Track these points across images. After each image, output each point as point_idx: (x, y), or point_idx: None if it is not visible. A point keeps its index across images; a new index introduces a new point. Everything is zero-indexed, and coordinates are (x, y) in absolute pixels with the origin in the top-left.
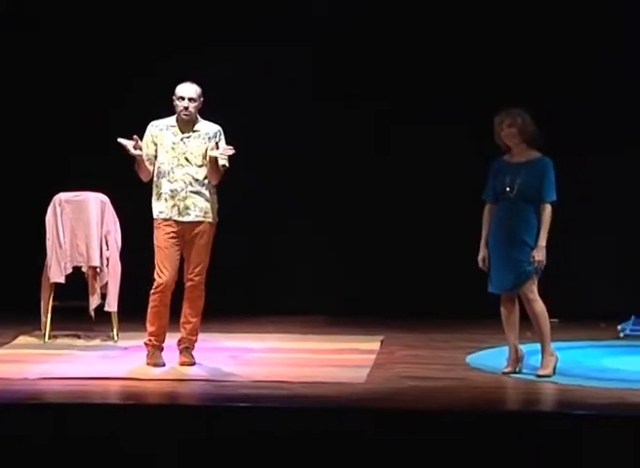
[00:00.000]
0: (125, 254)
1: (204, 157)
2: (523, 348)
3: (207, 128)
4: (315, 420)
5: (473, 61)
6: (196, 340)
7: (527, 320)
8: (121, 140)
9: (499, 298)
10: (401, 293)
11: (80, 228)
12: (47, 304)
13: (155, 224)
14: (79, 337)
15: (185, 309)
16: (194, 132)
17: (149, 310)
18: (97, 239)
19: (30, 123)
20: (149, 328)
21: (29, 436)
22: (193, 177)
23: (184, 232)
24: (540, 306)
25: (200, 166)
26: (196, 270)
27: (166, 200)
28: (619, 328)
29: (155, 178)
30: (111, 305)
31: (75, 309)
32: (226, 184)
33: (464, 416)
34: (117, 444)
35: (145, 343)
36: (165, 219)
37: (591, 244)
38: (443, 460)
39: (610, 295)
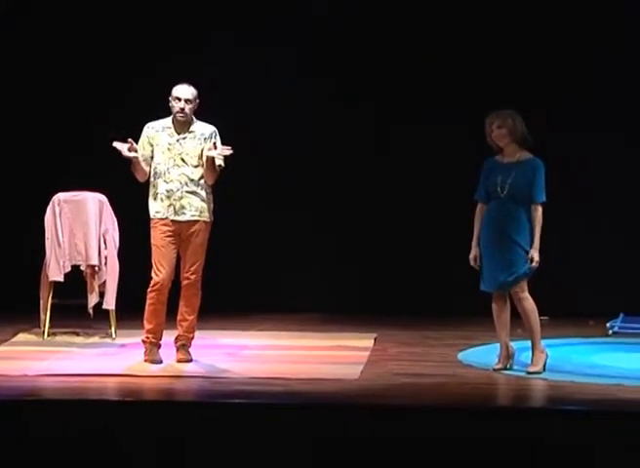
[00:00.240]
0: (123, 253)
1: (200, 157)
2: (514, 345)
3: (202, 129)
4: (310, 416)
5: (473, 62)
6: (193, 338)
7: (517, 317)
8: (116, 144)
9: (490, 296)
10: (395, 292)
11: (79, 227)
12: (46, 302)
13: (152, 224)
14: (78, 335)
15: (182, 307)
16: (190, 133)
17: (147, 308)
18: (95, 238)
19: (30, 123)
20: (147, 325)
21: (28, 432)
22: (189, 178)
23: (180, 231)
24: (530, 304)
25: (196, 166)
26: (192, 268)
27: (162, 200)
28: (607, 325)
29: (152, 179)
30: (109, 303)
31: (74, 307)
32: (226, 184)
33: (456, 412)
34: (115, 440)
35: (143, 341)
36: (161, 219)
37: (580, 242)
38: (435, 456)
39: (599, 293)
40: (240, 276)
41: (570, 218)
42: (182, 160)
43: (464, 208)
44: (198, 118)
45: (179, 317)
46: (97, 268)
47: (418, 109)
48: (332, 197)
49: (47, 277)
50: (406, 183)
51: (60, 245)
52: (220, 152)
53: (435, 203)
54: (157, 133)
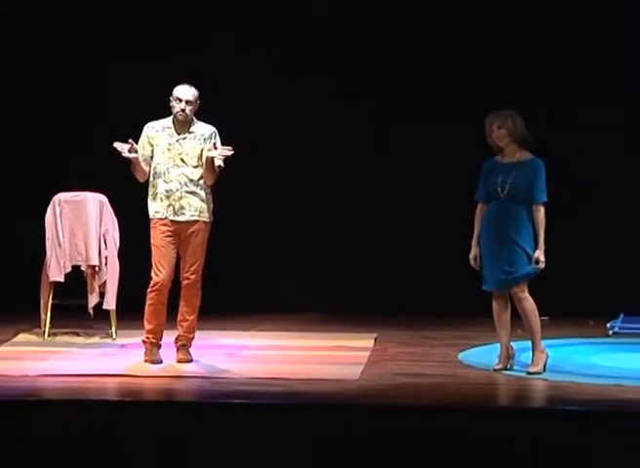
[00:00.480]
0: (123, 253)
1: (199, 158)
2: (514, 345)
3: (202, 129)
4: (310, 416)
5: (473, 62)
6: (193, 338)
7: (517, 318)
8: (116, 145)
9: (490, 296)
10: (395, 292)
11: (79, 228)
12: (46, 302)
13: (152, 224)
14: (78, 335)
15: (182, 307)
16: (190, 133)
17: (147, 308)
18: (95, 238)
19: (30, 123)
20: (147, 325)
21: (29, 432)
22: (188, 178)
23: (180, 231)
24: (530, 304)
25: (195, 166)
26: (192, 268)
27: (161, 200)
28: (608, 325)
29: (151, 179)
30: (110, 303)
31: (74, 307)
32: (226, 184)
33: (456, 412)
34: (115, 440)
35: (143, 341)
36: (161, 219)
37: (580, 242)
38: (435, 456)
39: (599, 293)
40: (240, 276)
41: (570, 218)
42: (182, 160)
43: (465, 208)
44: (198, 118)
45: (179, 317)
46: (97, 268)
47: (418, 109)
48: (332, 197)
49: (47, 277)
50: (406, 183)
51: (60, 245)
52: (221, 153)
53: (435, 203)
54: (157, 133)
